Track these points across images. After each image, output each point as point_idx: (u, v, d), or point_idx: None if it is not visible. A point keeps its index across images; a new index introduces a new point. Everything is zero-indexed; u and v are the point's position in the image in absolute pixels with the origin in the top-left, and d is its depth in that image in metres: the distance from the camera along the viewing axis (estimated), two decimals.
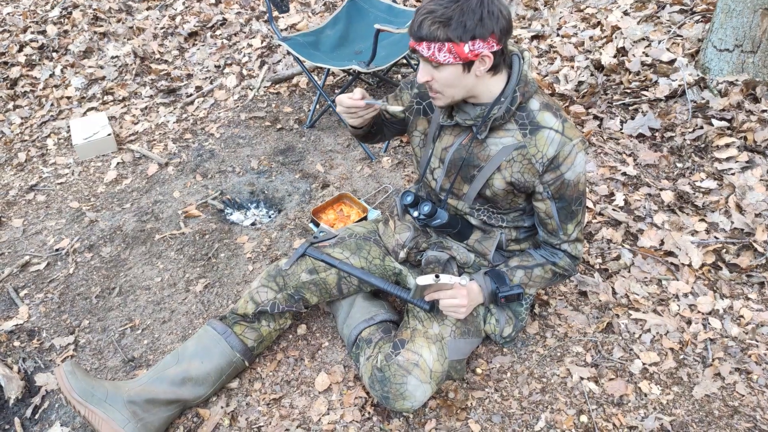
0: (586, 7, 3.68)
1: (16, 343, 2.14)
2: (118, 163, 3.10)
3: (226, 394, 1.86)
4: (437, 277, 1.51)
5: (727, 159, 2.54)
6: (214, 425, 1.77)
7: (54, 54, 4.23)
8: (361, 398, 1.82)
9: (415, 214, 1.74)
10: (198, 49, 4.11)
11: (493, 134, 1.57)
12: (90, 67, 4.04)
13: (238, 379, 1.90)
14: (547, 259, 1.72)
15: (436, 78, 1.43)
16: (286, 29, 4.10)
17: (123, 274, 2.38)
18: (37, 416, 1.89)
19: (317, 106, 3.30)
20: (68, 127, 3.54)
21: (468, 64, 1.39)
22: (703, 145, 2.64)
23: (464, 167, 1.64)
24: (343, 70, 2.85)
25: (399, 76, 3.63)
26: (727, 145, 2.58)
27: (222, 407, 1.82)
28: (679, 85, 2.88)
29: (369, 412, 1.79)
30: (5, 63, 4.17)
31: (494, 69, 1.43)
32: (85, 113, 3.65)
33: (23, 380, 2.00)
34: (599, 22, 3.49)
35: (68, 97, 3.85)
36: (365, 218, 2.45)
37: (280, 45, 3.84)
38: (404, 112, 1.75)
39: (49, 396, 1.94)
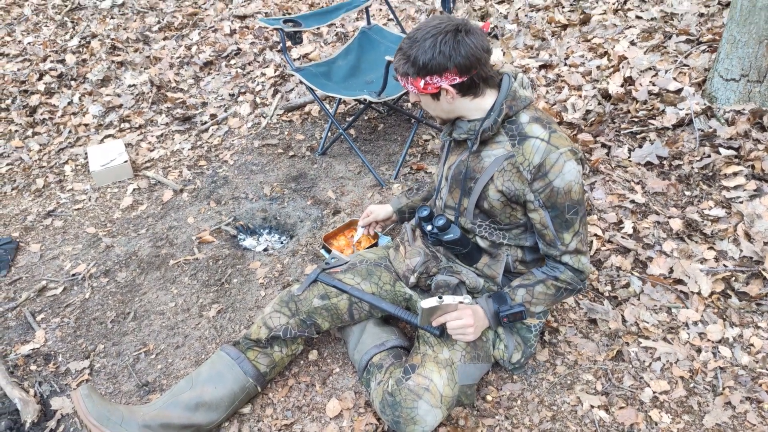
0: (593, 37, 3.74)
1: (33, 367, 2.17)
2: (134, 190, 3.17)
3: (238, 420, 1.88)
4: (440, 298, 1.56)
5: (735, 187, 2.56)
6: None
7: (72, 82, 4.34)
8: (372, 425, 1.84)
9: (429, 227, 1.80)
10: (213, 78, 4.21)
11: (487, 147, 1.66)
12: (107, 95, 4.15)
13: (250, 405, 1.92)
14: (548, 275, 1.73)
15: (420, 101, 1.66)
16: (299, 59, 4.20)
17: (138, 299, 2.42)
18: None
19: (329, 134, 3.37)
20: (85, 153, 3.62)
21: (434, 95, 1.58)
22: (711, 174, 2.66)
23: (463, 181, 1.72)
24: (355, 99, 2.91)
25: (409, 104, 3.70)
26: (735, 174, 2.60)
27: None
28: (686, 114, 2.91)
29: None
30: (25, 91, 4.28)
31: (472, 94, 1.58)
32: (102, 140, 3.74)
33: (39, 404, 2.03)
34: (606, 52, 3.55)
35: (86, 125, 3.95)
36: (376, 244, 2.49)
37: (292, 74, 3.93)
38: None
39: (65, 420, 1.97)
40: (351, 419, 1.87)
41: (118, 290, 2.48)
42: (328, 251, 2.46)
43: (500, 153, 1.63)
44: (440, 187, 1.84)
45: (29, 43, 4.89)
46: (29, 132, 3.95)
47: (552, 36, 3.92)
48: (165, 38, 4.72)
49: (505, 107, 1.59)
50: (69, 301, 2.46)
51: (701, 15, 3.61)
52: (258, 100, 3.91)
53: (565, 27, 3.95)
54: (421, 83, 1.54)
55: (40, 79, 4.39)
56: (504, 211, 1.69)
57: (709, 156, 2.71)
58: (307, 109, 3.76)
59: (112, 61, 4.45)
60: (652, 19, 3.73)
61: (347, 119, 3.61)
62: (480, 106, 1.62)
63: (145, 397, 2.00)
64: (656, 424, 1.79)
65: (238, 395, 1.83)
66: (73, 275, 2.59)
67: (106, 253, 2.70)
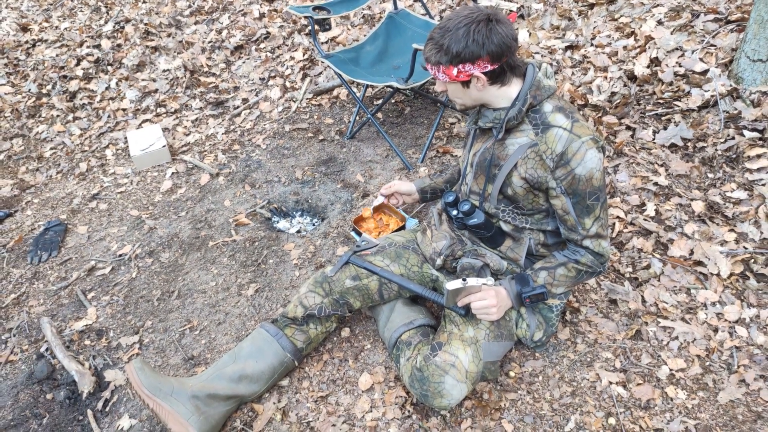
0: (620, 16, 3.73)
1: (87, 342, 2.35)
2: (172, 173, 3.32)
3: (277, 391, 2.03)
4: (464, 280, 1.67)
5: (758, 170, 2.59)
6: (267, 419, 1.94)
7: (109, 67, 4.49)
8: (402, 397, 1.97)
9: (454, 212, 1.90)
10: (243, 62, 4.32)
11: (511, 135, 1.74)
12: (143, 80, 4.29)
13: (288, 378, 2.06)
14: (569, 258, 1.82)
15: (447, 89, 1.71)
16: (326, 42, 4.28)
17: (181, 278, 2.58)
18: (107, 409, 2.08)
19: (357, 118, 3.46)
20: (125, 138, 3.78)
21: (465, 83, 1.64)
22: (734, 156, 2.69)
23: (488, 168, 1.80)
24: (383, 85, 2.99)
25: (434, 87, 3.76)
26: (759, 156, 2.62)
27: (274, 403, 1.98)
28: (712, 96, 2.93)
29: (408, 411, 1.93)
30: (64, 77, 4.45)
31: (500, 82, 1.66)
32: (140, 125, 3.90)
33: (94, 376, 2.20)
34: (633, 32, 3.55)
35: (123, 109, 4.10)
36: (404, 227, 2.59)
37: (321, 59, 4.02)
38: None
39: (118, 390, 2.14)
40: (382, 392, 2.00)
41: (162, 270, 2.64)
42: (358, 234, 2.58)
43: (524, 141, 1.70)
44: (465, 173, 1.93)
45: (66, 29, 5.05)
46: (70, 117, 4.12)
47: (579, 15, 3.92)
48: (196, 22, 4.83)
49: (529, 97, 1.66)
50: (117, 280, 2.63)
51: None
52: (288, 84, 4.01)
53: (592, 6, 3.94)
54: (454, 71, 1.60)
55: (78, 64, 4.55)
56: (526, 197, 1.77)
57: (733, 138, 2.74)
58: (335, 92, 3.86)
59: (146, 46, 4.59)
60: None
61: (375, 103, 3.69)
62: (506, 94, 1.69)
63: (191, 369, 2.16)
64: (672, 399, 1.89)
65: (277, 369, 1.97)
66: (120, 256, 2.76)
67: (149, 235, 2.86)
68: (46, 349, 2.33)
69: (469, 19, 1.54)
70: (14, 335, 2.43)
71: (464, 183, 1.94)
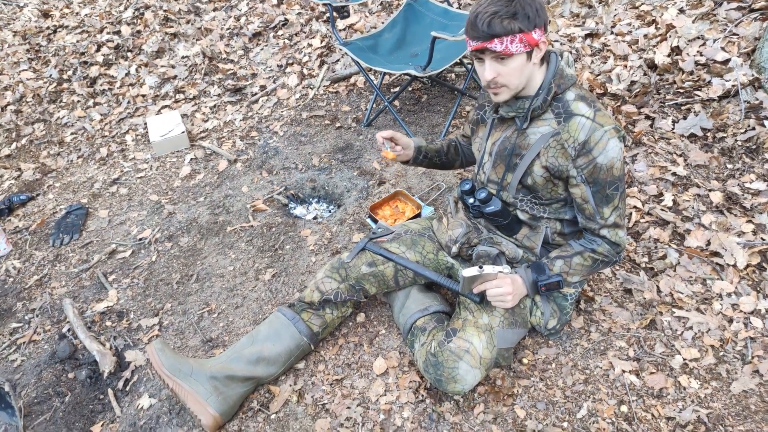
0: (641, 4, 3.69)
1: (108, 323, 2.40)
2: (191, 159, 3.36)
3: (294, 374, 2.06)
4: (481, 267, 1.68)
5: None
6: (283, 401, 1.98)
7: (129, 54, 4.54)
8: (415, 382, 2.00)
9: (471, 200, 1.91)
10: (262, 49, 4.34)
11: (533, 124, 1.73)
12: (162, 66, 4.33)
13: (304, 361, 2.10)
14: (585, 247, 1.83)
15: (501, 73, 1.60)
16: (344, 29, 4.28)
17: (200, 262, 2.62)
18: (127, 388, 2.13)
19: (374, 105, 3.47)
20: (145, 124, 3.82)
21: (530, 53, 1.57)
22: (754, 147, 2.67)
23: (508, 157, 1.80)
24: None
25: (452, 75, 3.75)
26: None
27: (290, 385, 2.02)
28: (733, 86, 2.89)
29: (422, 395, 1.96)
30: (85, 62, 4.50)
31: (543, 58, 1.64)
32: (159, 111, 3.94)
33: (115, 356, 2.25)
34: (654, 20, 3.51)
35: (143, 95, 4.15)
36: (419, 214, 2.61)
37: (339, 46, 4.03)
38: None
39: (138, 371, 2.19)
40: (396, 376, 2.03)
41: (182, 254, 2.69)
42: (374, 221, 2.60)
43: (546, 130, 1.70)
44: (482, 162, 1.92)
45: (86, 15, 5.09)
46: (90, 102, 4.17)
47: (599, 3, 3.88)
48: (215, 9, 4.85)
49: (554, 86, 1.66)
50: (137, 263, 2.68)
51: None
52: (305, 71, 4.03)
53: None
54: (535, 35, 1.53)
55: (98, 50, 4.59)
56: (546, 187, 1.77)
57: (753, 129, 2.71)
58: (352, 80, 3.86)
59: (166, 33, 4.62)
60: None
61: (392, 91, 3.70)
62: (537, 78, 1.67)
63: (209, 351, 2.21)
64: (685, 389, 1.89)
65: (293, 352, 2.01)
66: (140, 239, 2.81)
67: (168, 220, 2.91)
68: (68, 330, 2.39)
69: None
70: (37, 316, 2.49)
71: (482, 172, 1.94)
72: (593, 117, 1.63)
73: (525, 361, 2.04)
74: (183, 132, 3.45)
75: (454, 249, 2.02)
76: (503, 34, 1.50)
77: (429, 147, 2.16)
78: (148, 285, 2.55)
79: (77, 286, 2.61)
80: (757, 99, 2.82)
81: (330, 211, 2.92)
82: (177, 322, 2.35)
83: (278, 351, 1.98)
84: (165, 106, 3.98)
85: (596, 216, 1.75)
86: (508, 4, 1.49)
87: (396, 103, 3.58)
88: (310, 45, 4.25)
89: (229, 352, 1.98)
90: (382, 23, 4.05)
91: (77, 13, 5.17)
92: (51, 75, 4.39)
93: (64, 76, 4.38)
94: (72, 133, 3.92)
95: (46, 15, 5.19)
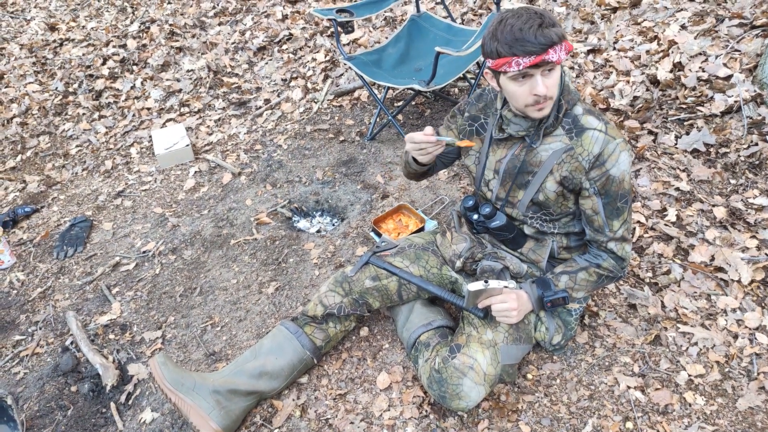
0: (644, 20, 3.72)
1: (111, 336, 2.40)
2: (195, 172, 3.38)
3: (297, 388, 2.06)
4: (486, 282, 1.68)
5: None
6: (286, 416, 1.97)
7: (134, 67, 4.58)
8: (419, 397, 1.99)
9: (475, 216, 1.90)
10: (266, 63, 4.37)
11: (543, 141, 1.72)
12: (167, 80, 4.36)
13: (307, 375, 2.09)
14: (590, 263, 1.83)
15: (548, 85, 1.54)
16: (348, 44, 4.31)
17: (203, 275, 2.62)
18: (130, 402, 2.13)
19: (378, 120, 3.49)
20: (149, 136, 3.85)
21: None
22: (757, 162, 2.67)
23: (519, 175, 1.79)
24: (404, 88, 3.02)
25: (455, 90, 3.77)
26: None
27: (293, 400, 2.01)
28: (735, 101, 2.90)
29: (426, 410, 1.95)
30: (90, 75, 4.54)
31: None
32: (164, 124, 3.96)
33: (117, 369, 2.25)
34: (656, 36, 3.53)
35: (148, 108, 4.17)
36: (423, 228, 2.61)
37: (343, 60, 4.06)
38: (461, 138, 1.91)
39: (141, 384, 2.18)
40: (399, 391, 2.02)
41: (185, 267, 2.69)
42: (378, 234, 2.60)
43: (558, 146, 1.70)
44: (486, 179, 1.90)
45: (92, 29, 5.15)
46: (96, 115, 4.21)
47: (601, 19, 3.91)
48: (220, 23, 4.90)
49: (564, 102, 1.66)
50: (141, 276, 2.68)
51: None
52: (309, 85, 4.05)
53: (615, 10, 3.93)
54: (569, 44, 1.52)
55: (104, 63, 4.64)
56: (557, 202, 1.77)
57: (756, 144, 2.72)
58: (356, 94, 3.89)
59: (171, 47, 4.66)
60: (704, 1, 3.68)
61: (396, 105, 3.72)
62: None
63: (212, 365, 2.20)
64: (690, 405, 1.88)
65: (296, 366, 2.00)
66: (144, 252, 2.82)
67: (172, 232, 2.92)
68: (71, 343, 2.39)
69: (533, 7, 1.51)
70: (40, 328, 2.49)
71: (487, 189, 1.92)
72: (605, 130, 1.65)
73: (529, 376, 2.03)
74: (187, 145, 3.47)
75: (458, 264, 2.01)
76: (557, 41, 1.45)
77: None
78: (151, 298, 2.55)
79: (81, 299, 2.61)
80: (760, 115, 2.83)
81: (333, 225, 2.92)
82: (180, 335, 2.35)
83: (281, 365, 1.97)
84: (170, 119, 4.00)
85: (605, 228, 1.75)
86: (542, 16, 1.46)
87: (399, 117, 3.60)
88: (314, 59, 4.28)
89: (232, 366, 1.98)
90: (386, 38, 4.08)
91: (83, 27, 5.22)
92: (57, 88, 4.43)
93: (70, 89, 4.42)
94: (77, 146, 3.94)
95: (52, 28, 5.25)
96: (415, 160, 1.95)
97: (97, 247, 2.92)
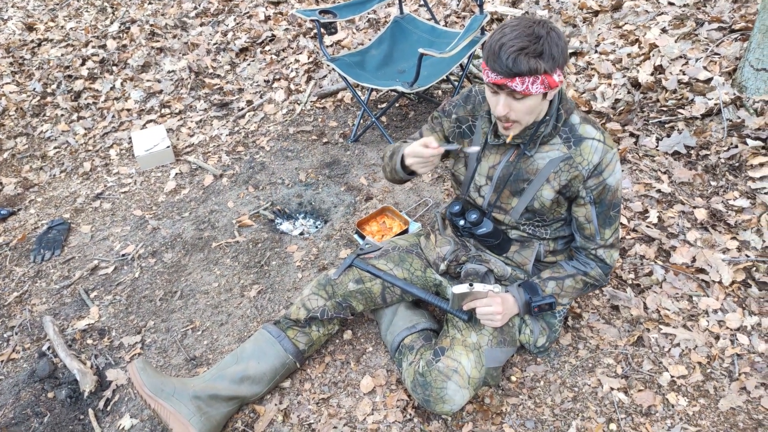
0: (625, 23, 3.75)
1: (89, 341, 2.35)
2: (176, 174, 3.33)
3: (279, 393, 2.03)
4: (471, 285, 1.67)
5: (761, 178, 2.59)
6: (268, 421, 1.94)
7: (114, 68, 4.51)
8: (403, 401, 1.97)
9: (461, 222, 1.89)
10: (248, 64, 4.33)
11: (540, 149, 1.71)
12: (148, 80, 4.31)
13: (290, 380, 2.07)
14: (578, 270, 1.84)
15: (515, 109, 1.53)
16: (332, 45, 4.29)
17: (184, 278, 2.58)
18: (108, 408, 2.08)
19: (361, 121, 3.47)
20: (129, 138, 3.79)
21: (545, 93, 1.52)
22: (737, 164, 2.70)
23: (513, 182, 1.77)
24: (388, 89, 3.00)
25: (439, 91, 3.77)
26: (762, 165, 2.63)
27: (276, 404, 1.99)
28: (715, 104, 2.94)
29: (410, 414, 1.93)
30: (69, 76, 4.46)
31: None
32: (144, 125, 3.91)
33: (95, 375, 2.20)
34: (637, 39, 3.56)
35: (128, 110, 4.11)
36: (406, 230, 2.60)
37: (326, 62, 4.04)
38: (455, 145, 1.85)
39: (120, 390, 2.14)
40: (383, 395, 2.00)
41: (165, 270, 2.65)
42: (362, 236, 2.58)
43: (555, 155, 1.69)
44: (478, 184, 1.87)
45: (71, 29, 5.07)
46: (74, 116, 4.13)
47: (583, 22, 3.93)
48: (202, 24, 4.85)
49: (563, 112, 1.66)
50: (120, 279, 2.63)
51: (735, 1, 3.59)
52: (292, 87, 4.03)
53: (596, 13, 3.95)
54: (556, 78, 1.47)
55: (83, 64, 4.56)
56: (551, 209, 1.77)
57: (736, 146, 2.75)
58: (339, 95, 3.87)
59: (152, 47, 4.60)
60: (684, 5, 3.72)
61: (379, 107, 3.71)
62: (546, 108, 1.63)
63: (193, 370, 2.16)
64: (673, 406, 1.89)
65: (279, 370, 1.98)
66: (123, 255, 2.77)
67: (152, 235, 2.87)
68: (48, 348, 2.34)
69: (544, 25, 1.45)
70: (16, 333, 2.43)
71: (478, 195, 1.90)
72: (603, 139, 1.65)
73: (513, 378, 2.02)
74: (168, 146, 3.42)
75: (442, 266, 2.01)
76: (527, 73, 1.42)
77: None
78: (130, 302, 2.50)
79: (58, 303, 2.56)
80: (739, 117, 2.86)
81: (317, 227, 2.90)
82: (160, 339, 2.31)
83: (263, 369, 1.95)
84: (150, 121, 3.95)
85: (596, 236, 1.76)
86: (535, 42, 1.41)
87: (383, 119, 3.59)
88: (297, 60, 4.25)
89: (213, 371, 1.94)
90: (370, 40, 4.07)
91: (62, 27, 5.14)
92: (35, 88, 4.35)
93: (48, 90, 4.34)
94: (55, 147, 3.87)
95: (30, 28, 5.15)
96: (404, 167, 1.87)
97: (75, 250, 2.87)
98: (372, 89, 3.33)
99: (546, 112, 1.64)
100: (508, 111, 1.54)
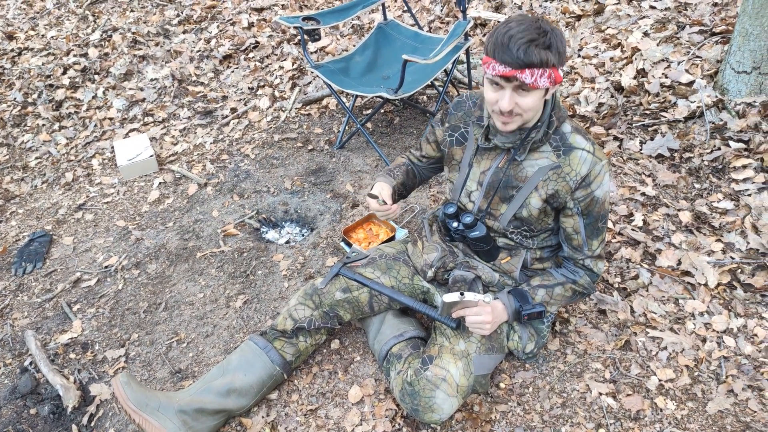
0: (607, 27, 3.77)
1: (72, 355, 2.31)
2: (160, 183, 3.29)
3: (266, 405, 2.00)
4: (462, 294, 1.66)
5: (744, 180, 2.62)
6: None
7: (96, 76, 4.46)
8: (392, 410, 1.95)
9: (455, 224, 1.87)
10: (232, 71, 4.31)
11: (529, 156, 1.70)
12: (131, 89, 4.27)
13: (277, 391, 2.04)
14: (567, 278, 1.84)
15: (520, 104, 1.51)
16: (316, 52, 4.28)
17: (168, 290, 2.55)
18: (92, 424, 2.04)
19: (346, 128, 3.46)
20: (112, 147, 3.75)
21: (547, 90, 1.51)
22: (720, 166, 2.72)
23: (502, 188, 1.77)
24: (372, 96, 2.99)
25: (424, 97, 3.77)
26: (744, 167, 2.66)
27: (263, 417, 1.96)
28: (698, 107, 2.96)
29: (399, 424, 1.92)
30: (50, 85, 4.41)
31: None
32: (127, 134, 3.86)
33: (79, 390, 2.17)
34: (620, 43, 3.59)
35: (110, 118, 4.07)
36: (393, 237, 2.59)
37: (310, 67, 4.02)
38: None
39: (104, 405, 2.10)
40: (372, 405, 1.99)
41: (149, 281, 2.61)
42: (348, 245, 2.57)
43: (545, 163, 1.68)
44: (469, 189, 1.87)
45: (52, 37, 5.01)
46: (56, 126, 4.08)
47: (566, 27, 3.96)
48: (184, 32, 4.81)
49: (554, 119, 1.64)
50: (103, 292, 2.59)
51: (715, 4, 3.63)
52: (277, 94, 4.01)
53: (579, 17, 3.98)
54: (561, 73, 1.47)
55: (64, 73, 4.51)
56: (539, 218, 1.77)
57: (719, 149, 2.77)
58: (324, 102, 3.85)
59: (134, 55, 4.56)
60: (666, 9, 3.75)
61: (364, 113, 3.70)
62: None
63: (178, 383, 2.13)
64: (661, 410, 1.89)
65: (266, 382, 1.95)
66: (106, 267, 2.73)
67: (136, 246, 2.84)
68: (30, 363, 2.29)
69: (546, 22, 1.44)
70: None
71: (468, 200, 1.89)
72: (593, 151, 1.65)
73: (502, 385, 2.01)
74: (151, 155, 3.39)
75: (430, 273, 1.99)
76: (538, 65, 1.41)
77: (396, 184, 2.08)
78: (114, 314, 2.47)
79: (40, 317, 2.52)
80: (722, 120, 2.89)
81: (303, 235, 2.88)
82: (144, 352, 2.28)
83: (250, 381, 1.92)
84: (133, 130, 3.91)
85: (584, 247, 1.76)
86: (543, 35, 1.40)
87: (368, 125, 3.58)
88: (281, 67, 4.23)
89: (199, 384, 1.92)
90: (354, 46, 4.06)
91: (43, 36, 5.08)
92: (15, 98, 4.29)
93: (29, 100, 4.28)
94: (36, 158, 3.82)
95: (10, 37, 5.08)
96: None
97: (57, 262, 2.82)
98: (357, 96, 3.32)
99: (539, 118, 1.63)
100: (514, 105, 1.51)
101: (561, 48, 1.44)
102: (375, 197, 1.93)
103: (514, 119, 1.56)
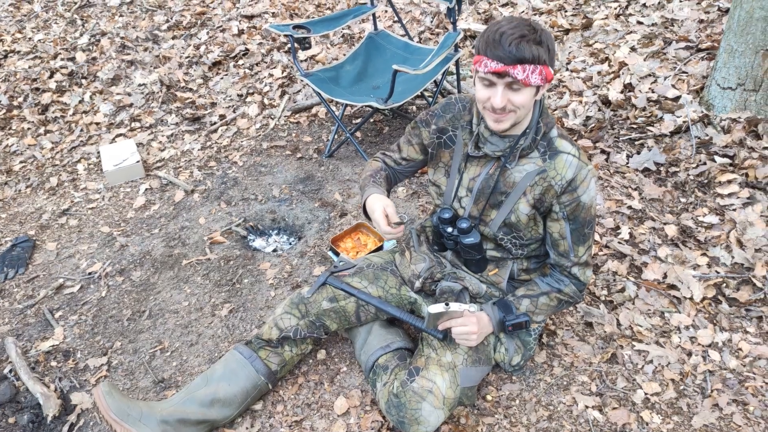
0: (595, 42, 3.81)
1: (53, 363, 2.27)
2: (146, 189, 3.26)
3: (250, 416, 1.98)
4: (447, 305, 1.65)
5: (729, 195, 2.64)
6: None
7: (83, 81, 4.42)
8: (378, 422, 1.94)
9: (449, 229, 1.85)
10: (221, 78, 4.29)
11: (518, 162, 1.70)
12: (118, 94, 4.23)
13: (261, 402, 2.02)
14: (552, 287, 1.83)
15: (512, 101, 1.50)
16: (306, 60, 4.28)
17: (152, 297, 2.52)
18: None
19: (336, 137, 3.45)
20: (98, 152, 3.71)
21: (539, 87, 1.52)
22: (706, 181, 2.75)
23: (492, 195, 1.76)
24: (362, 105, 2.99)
25: (413, 107, 3.78)
26: (729, 181, 2.68)
27: (247, 428, 1.94)
28: (684, 122, 2.99)
29: None
30: (37, 89, 4.37)
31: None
32: (113, 139, 3.83)
33: (60, 399, 2.12)
34: (607, 58, 3.63)
35: (97, 123, 4.03)
36: (381, 247, 2.58)
37: (299, 75, 4.02)
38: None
39: (84, 414, 2.06)
40: (358, 416, 1.97)
41: (134, 289, 2.58)
42: (336, 253, 2.55)
43: (531, 168, 1.69)
44: (459, 195, 1.86)
45: (40, 41, 4.97)
46: (41, 130, 4.03)
47: (554, 40, 3.99)
48: (174, 37, 4.79)
49: (542, 125, 1.65)
50: (86, 299, 2.56)
51: (701, 21, 3.68)
52: (266, 101, 4.00)
53: (567, 32, 4.02)
54: (552, 71, 1.48)
55: (51, 77, 4.47)
56: (528, 225, 1.76)
57: (704, 163, 2.80)
58: (314, 110, 3.85)
59: (122, 60, 4.53)
60: (653, 24, 3.81)
61: (354, 122, 3.70)
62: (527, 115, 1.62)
63: (161, 393, 2.10)
64: (647, 424, 1.89)
65: (250, 392, 1.93)
66: (90, 274, 2.69)
67: (120, 253, 2.80)
68: (10, 371, 2.25)
69: (535, 22, 1.46)
70: None
71: (459, 207, 1.88)
72: (578, 155, 1.65)
73: (489, 397, 2.01)
74: (138, 161, 3.36)
75: (417, 284, 1.98)
76: (530, 60, 1.41)
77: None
78: (96, 322, 2.43)
79: (21, 324, 2.47)
80: (707, 135, 2.92)
81: (290, 244, 2.86)
82: (127, 361, 2.24)
83: (234, 392, 1.90)
84: (120, 135, 3.87)
85: (570, 254, 1.76)
86: (533, 32, 1.42)
87: (358, 134, 3.58)
88: (271, 75, 4.22)
89: (182, 394, 1.89)
90: (344, 55, 4.07)
91: (30, 39, 5.03)
92: (0, 101, 4.23)
93: (15, 103, 4.23)
94: (21, 162, 3.77)
95: None
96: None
97: (40, 268, 2.78)
98: (346, 105, 3.32)
99: (527, 125, 1.64)
100: (506, 102, 1.50)
101: (551, 46, 1.45)
102: (403, 223, 1.82)
103: (507, 116, 1.55)
